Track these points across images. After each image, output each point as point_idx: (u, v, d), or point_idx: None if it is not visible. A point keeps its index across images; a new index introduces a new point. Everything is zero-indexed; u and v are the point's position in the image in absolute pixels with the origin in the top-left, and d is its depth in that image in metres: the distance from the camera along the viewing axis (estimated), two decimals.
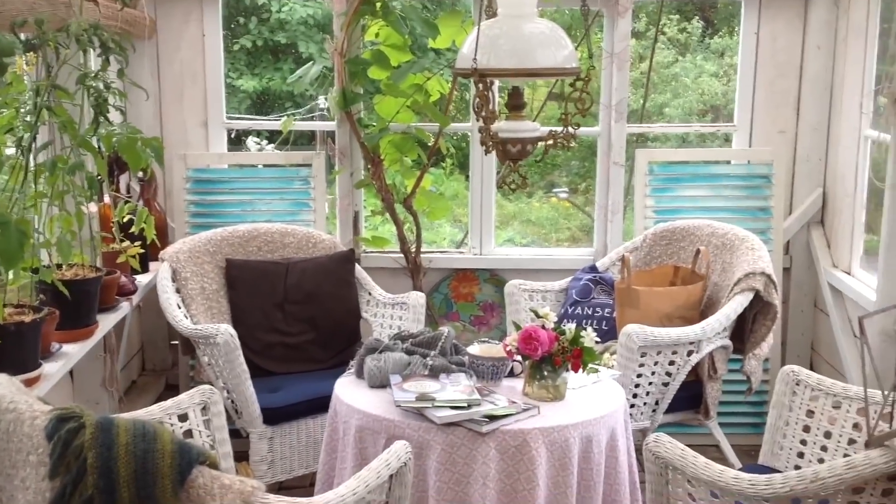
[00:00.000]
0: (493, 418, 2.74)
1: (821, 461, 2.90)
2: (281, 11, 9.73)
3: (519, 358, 3.01)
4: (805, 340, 4.50)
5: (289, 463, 3.53)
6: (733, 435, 4.15)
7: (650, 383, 3.52)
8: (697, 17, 9.66)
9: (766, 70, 4.38)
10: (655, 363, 3.50)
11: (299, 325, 3.97)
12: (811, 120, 4.36)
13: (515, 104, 2.66)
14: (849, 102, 4.12)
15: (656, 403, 3.58)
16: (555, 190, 9.68)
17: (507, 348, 2.96)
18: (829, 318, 4.23)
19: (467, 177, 4.58)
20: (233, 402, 3.49)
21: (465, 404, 2.78)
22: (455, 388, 2.89)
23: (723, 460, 4.00)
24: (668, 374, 3.54)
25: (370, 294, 4.07)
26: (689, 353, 3.55)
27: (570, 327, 2.95)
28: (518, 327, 2.97)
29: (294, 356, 3.93)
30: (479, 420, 2.73)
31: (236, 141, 7.89)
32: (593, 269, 4.14)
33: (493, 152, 2.72)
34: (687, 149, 5.28)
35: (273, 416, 3.48)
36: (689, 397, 3.67)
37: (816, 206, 4.39)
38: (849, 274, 4.11)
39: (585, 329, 2.97)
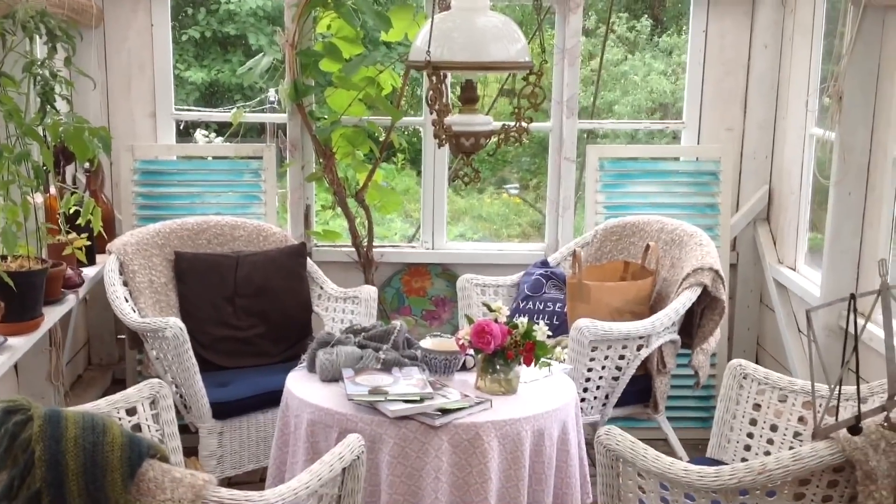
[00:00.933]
0: (445, 412, 2.74)
1: (767, 454, 2.95)
2: (230, 2, 9.63)
3: (471, 352, 3.01)
4: (751, 335, 4.57)
5: (238, 458, 3.50)
6: (681, 429, 4.21)
7: (600, 377, 3.55)
8: (646, 16, 9.77)
9: (714, 68, 4.44)
10: (606, 357, 3.53)
11: (250, 318, 3.94)
12: (758, 118, 4.43)
13: (468, 97, 2.67)
14: (795, 101, 4.20)
15: (606, 397, 3.61)
16: (506, 186, 9.72)
17: (460, 342, 2.97)
18: (774, 314, 4.31)
19: (419, 172, 4.58)
20: (181, 396, 3.46)
21: (418, 398, 2.78)
22: (408, 382, 2.89)
23: (671, 454, 4.05)
24: (618, 368, 3.58)
25: (322, 288, 4.05)
26: (639, 348, 3.58)
27: (522, 321, 2.96)
28: (471, 321, 2.98)
29: (244, 350, 3.90)
30: (431, 413, 2.73)
31: (184, 133, 7.80)
32: (545, 264, 4.16)
33: (447, 146, 2.72)
34: (637, 145, 5.32)
35: (222, 411, 3.45)
36: (639, 391, 3.71)
37: (763, 203, 4.46)
38: (794, 270, 4.19)
39: (538, 323, 2.98)
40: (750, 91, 4.44)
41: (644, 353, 3.59)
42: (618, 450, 2.43)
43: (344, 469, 2.29)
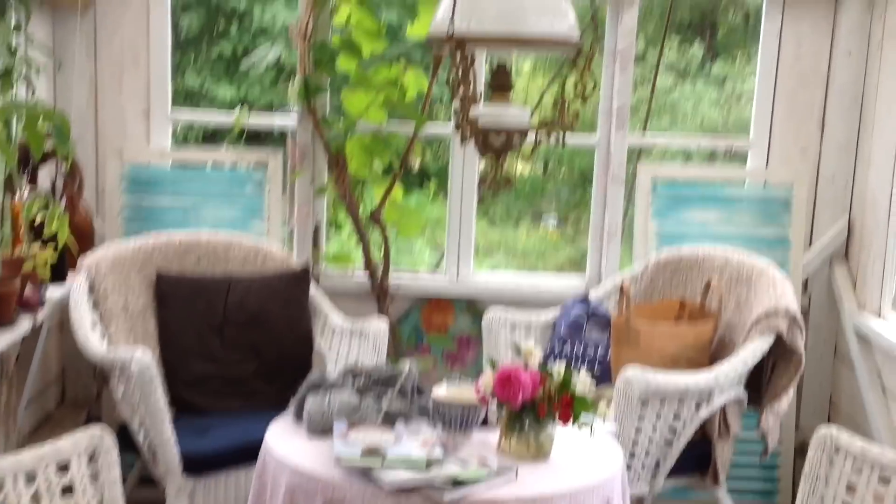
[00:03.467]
0: (458, 483, 2.16)
1: None
2: (263, 19, 9.22)
3: (494, 405, 2.43)
4: (822, 395, 3.93)
5: None
6: (739, 502, 3.59)
7: (650, 441, 2.95)
8: (698, 41, 9.20)
9: (787, 78, 3.85)
10: (658, 416, 2.93)
11: (240, 352, 3.38)
12: (838, 137, 3.83)
13: (500, 84, 2.12)
14: (883, 117, 3.59)
15: (656, 465, 3.01)
16: (544, 218, 9.14)
17: (481, 393, 2.39)
18: (852, 370, 3.67)
19: None
20: (150, 445, 2.90)
21: (424, 463, 2.20)
22: (413, 441, 2.31)
23: None
24: (672, 430, 2.97)
25: (326, 320, 3.49)
26: (698, 406, 2.98)
27: (558, 368, 2.38)
28: (494, 365, 2.40)
29: (232, 391, 3.34)
30: (439, 486, 2.14)
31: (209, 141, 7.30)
32: (585, 300, 3.57)
33: (473, 143, 2.17)
34: (697, 167, 4.72)
35: (196, 465, 2.88)
36: (695, 458, 3.10)
37: (841, 238, 3.85)
38: (879, 317, 3.56)
39: (577, 371, 2.40)
40: (829, 106, 3.83)
41: (704, 412, 2.98)
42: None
43: None
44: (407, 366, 2.62)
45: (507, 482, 2.23)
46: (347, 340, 3.38)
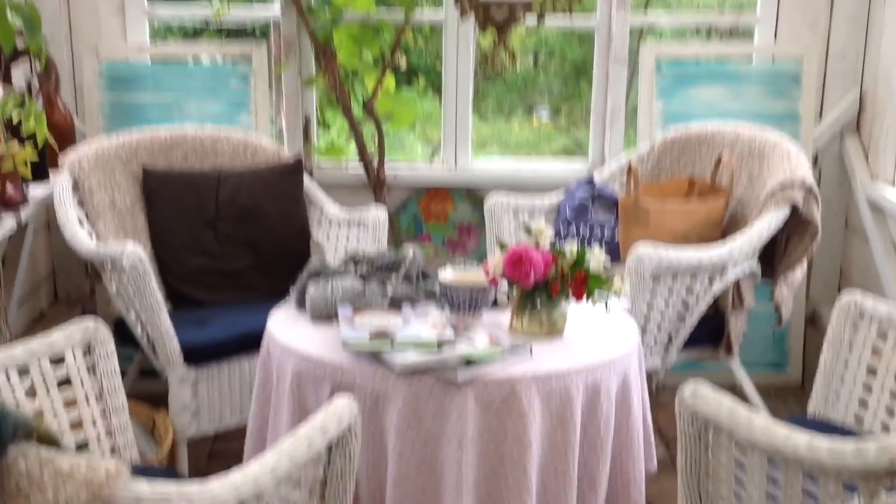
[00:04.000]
0: (471, 362, 2.07)
1: (891, 412, 2.27)
2: None
3: (505, 286, 2.33)
4: (833, 267, 3.85)
5: (218, 411, 2.85)
6: (750, 373, 3.52)
7: (662, 316, 2.86)
8: None
9: None
10: (670, 292, 2.84)
11: (235, 247, 3.27)
12: (848, 9, 3.66)
13: None
14: None
15: (669, 339, 2.93)
16: (536, 109, 8.96)
17: (490, 274, 2.28)
18: (864, 241, 3.59)
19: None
20: (148, 338, 2.81)
21: (435, 344, 2.10)
22: (422, 324, 2.21)
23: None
24: (685, 304, 2.89)
25: (322, 211, 3.37)
26: (711, 280, 2.89)
27: (570, 247, 2.27)
28: (503, 246, 2.29)
29: (228, 284, 3.24)
30: (452, 365, 2.06)
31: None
32: (590, 182, 3.45)
33: (472, 17, 2.02)
34: (701, 44, 4.53)
35: (196, 356, 2.79)
36: (708, 331, 3.03)
37: (852, 111, 3.71)
38: (893, 185, 3.45)
39: (590, 247, 2.29)
40: None
41: (717, 286, 2.89)
42: (710, 416, 1.75)
43: (330, 446, 1.63)
44: (410, 251, 2.51)
45: (522, 360, 2.14)
46: (345, 231, 3.27)
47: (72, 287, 3.80)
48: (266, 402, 2.35)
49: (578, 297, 2.22)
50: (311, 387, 2.17)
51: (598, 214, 3.33)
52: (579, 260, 2.25)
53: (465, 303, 2.39)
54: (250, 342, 2.76)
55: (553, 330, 2.28)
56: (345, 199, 3.61)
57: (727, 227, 3.16)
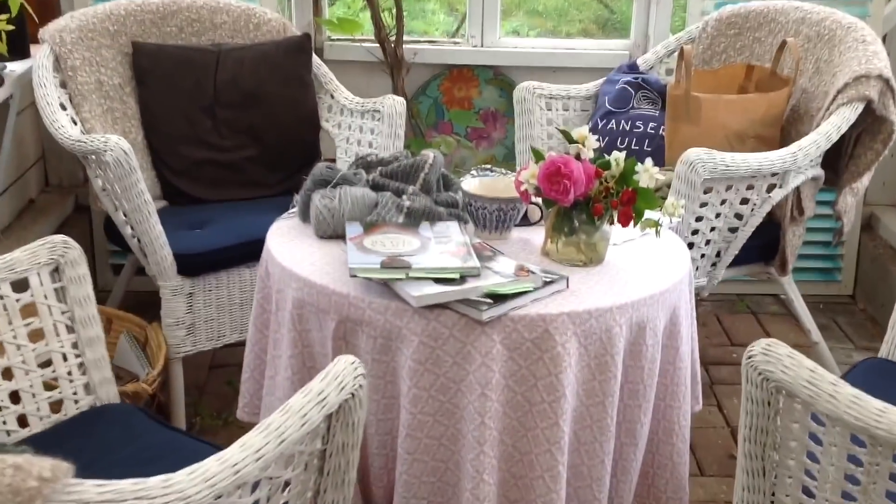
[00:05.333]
0: (497, 297, 1.77)
1: None
2: None
3: (539, 201, 2.02)
4: (893, 166, 3.49)
5: (216, 327, 2.60)
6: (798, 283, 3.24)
7: (713, 229, 2.55)
8: None
9: None
10: (723, 202, 2.52)
11: (236, 136, 2.95)
12: None
13: None
14: None
15: (717, 255, 2.63)
16: None
17: (522, 187, 1.96)
18: None
19: None
20: (138, 241, 2.53)
21: (457, 274, 1.81)
22: (442, 247, 1.91)
23: (792, 329, 3.11)
24: (739, 216, 2.57)
25: (332, 97, 3.02)
26: (770, 188, 2.56)
27: (618, 157, 1.94)
28: (539, 157, 1.96)
29: (229, 179, 2.94)
30: (476, 300, 1.77)
31: None
32: (633, 68, 3.08)
33: None
34: None
35: (192, 265, 2.52)
36: (759, 245, 2.72)
37: None
38: None
39: (641, 161, 1.96)
40: None
41: (777, 195, 2.57)
42: (785, 383, 1.47)
43: (330, 415, 1.36)
44: (431, 154, 2.18)
45: (556, 292, 1.85)
46: (358, 120, 2.93)
47: (63, 173, 3.51)
48: (265, 328, 2.08)
49: (625, 221, 1.90)
50: (313, 318, 1.89)
51: (642, 106, 2.97)
52: (627, 174, 1.92)
53: (491, 218, 2.08)
54: (253, 250, 2.39)
55: (592, 256, 1.98)
56: (358, 81, 3.27)
57: (787, 123, 2.80)
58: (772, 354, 1.49)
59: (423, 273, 1.80)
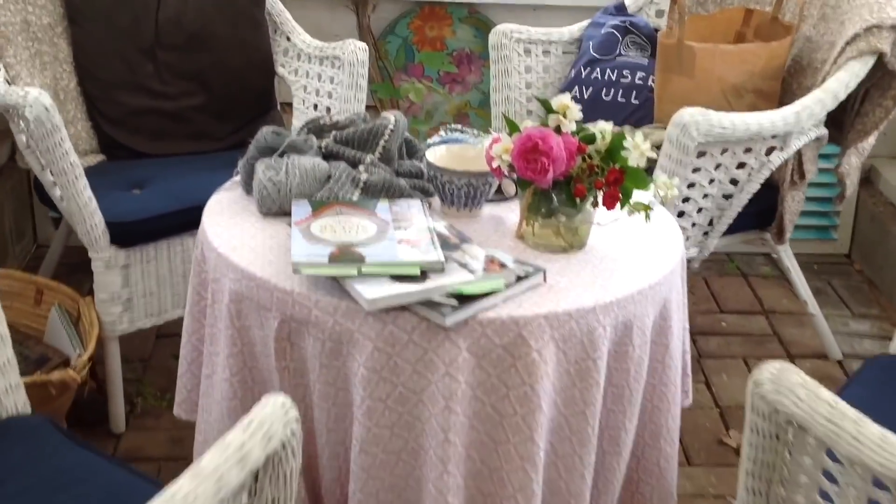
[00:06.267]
0: (463, 298, 1.54)
1: None
2: None
3: (513, 177, 1.77)
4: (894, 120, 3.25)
5: (157, 302, 2.35)
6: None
7: (705, 196, 2.32)
8: None
9: None
10: (717, 166, 2.27)
11: (180, 82, 2.67)
12: None
13: None
14: None
15: (710, 224, 2.40)
16: None
17: (495, 163, 1.71)
18: None
19: None
20: (66, 208, 2.27)
21: (417, 269, 1.56)
22: (402, 234, 1.66)
23: (786, 293, 2.91)
24: (734, 181, 2.33)
25: (289, 39, 2.73)
26: (770, 151, 2.32)
27: (604, 128, 1.68)
28: (514, 128, 1.70)
29: (173, 130, 2.66)
30: (439, 303, 1.53)
31: None
32: (620, 9, 2.80)
33: None
34: None
35: (126, 235, 2.26)
36: (755, 212, 2.48)
37: None
38: None
39: (630, 131, 1.71)
40: None
41: (777, 158, 2.33)
42: (800, 417, 1.25)
43: (257, 471, 1.13)
44: (392, 119, 1.91)
45: (532, 287, 1.61)
46: (317, 67, 2.65)
47: None
48: (202, 317, 1.83)
49: (611, 204, 1.66)
50: (254, 315, 1.65)
51: (629, 52, 2.70)
52: (614, 149, 1.67)
53: (460, 194, 1.83)
54: (196, 217, 2.06)
55: (573, 240, 1.74)
56: (319, 18, 2.98)
57: (788, 75, 2.55)
58: (783, 384, 1.26)
59: (377, 268, 1.56)
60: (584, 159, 1.67)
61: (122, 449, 2.32)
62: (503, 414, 1.58)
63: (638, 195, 1.69)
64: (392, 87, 3.10)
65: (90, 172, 2.38)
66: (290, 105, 2.74)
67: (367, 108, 2.62)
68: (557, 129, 1.66)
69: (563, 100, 1.66)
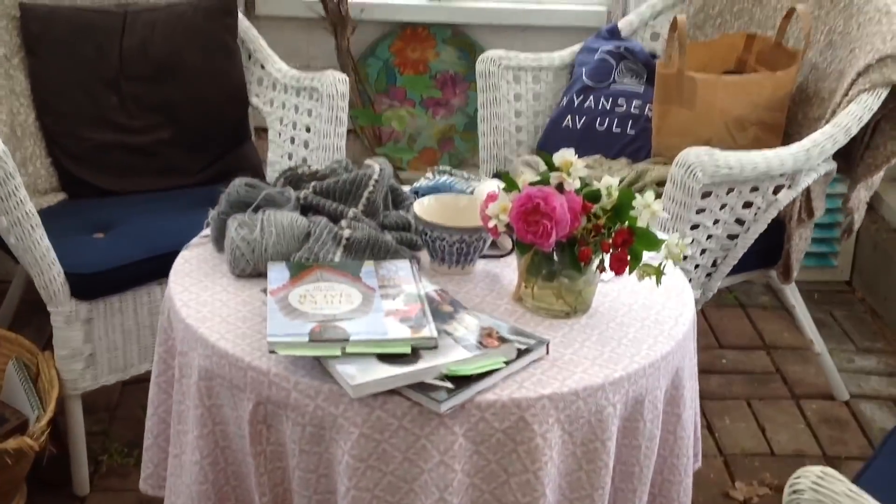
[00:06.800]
0: (458, 380, 1.39)
1: None
2: None
3: (511, 236, 1.61)
4: None
5: (122, 357, 2.18)
6: None
7: (709, 237, 2.18)
8: None
9: None
10: (722, 206, 2.13)
11: (147, 115, 2.50)
12: None
13: None
14: None
15: (714, 265, 2.26)
16: None
17: (491, 223, 1.56)
18: None
19: None
20: (23, 258, 2.10)
21: (408, 347, 1.41)
22: (390, 304, 1.51)
23: (787, 326, 2.78)
24: (740, 221, 2.19)
25: (263, 68, 2.57)
26: (778, 190, 2.18)
27: (610, 186, 1.53)
28: (511, 185, 1.55)
29: (140, 166, 2.50)
30: (432, 385, 1.38)
31: None
32: (614, 33, 2.65)
33: None
34: None
35: (88, 287, 2.09)
36: (760, 250, 2.34)
37: None
38: None
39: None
40: None
41: (785, 197, 2.19)
42: None
43: None
44: (376, 168, 1.76)
45: (534, 360, 1.46)
46: (294, 99, 2.48)
47: None
48: (170, 388, 1.67)
49: (619, 268, 1.51)
50: (226, 394, 1.49)
51: (624, 80, 2.55)
52: (622, 207, 1.52)
53: (451, 251, 1.68)
54: (165, 265, 1.88)
55: (577, 305, 1.59)
56: (296, 41, 2.83)
57: (793, 104, 2.41)
58: (826, 492, 1.12)
59: (364, 348, 1.40)
60: (588, 219, 1.52)
61: None
62: (503, 502, 1.43)
63: (647, 257, 1.55)
64: (373, 113, 2.94)
65: (50, 214, 2.24)
66: (265, 130, 2.59)
67: (348, 131, 2.47)
68: (560, 188, 1.51)
69: (567, 156, 1.51)
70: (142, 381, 2.50)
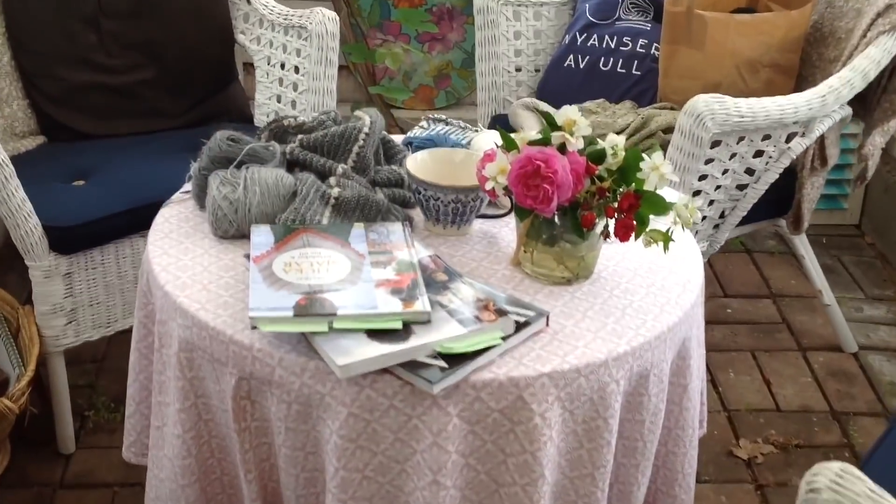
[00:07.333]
0: (452, 357, 1.30)
1: None
2: None
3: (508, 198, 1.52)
4: None
5: (105, 311, 2.10)
6: None
7: (718, 188, 2.08)
8: None
9: None
10: (732, 156, 2.03)
11: (127, 54, 2.38)
12: None
13: None
14: None
15: (722, 216, 2.16)
16: None
17: (488, 184, 1.45)
18: None
19: None
20: None
21: (399, 322, 1.32)
22: (380, 272, 1.41)
23: (795, 273, 2.70)
24: (750, 171, 2.09)
25: (249, 3, 2.43)
26: (790, 138, 2.07)
27: (615, 144, 1.43)
28: (511, 145, 1.44)
29: (121, 108, 2.38)
30: (425, 364, 1.29)
31: None
32: None
33: None
34: None
35: (67, 240, 2.00)
36: (770, 199, 2.24)
37: None
38: None
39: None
40: None
41: (798, 145, 2.09)
42: None
43: None
44: (366, 120, 1.65)
45: (533, 333, 1.38)
46: (282, 37, 2.35)
47: None
48: (149, 354, 1.59)
49: (625, 235, 1.41)
50: (207, 367, 1.41)
51: (630, 16, 2.42)
52: (628, 168, 1.42)
53: (446, 210, 1.58)
54: (146, 217, 1.77)
55: (579, 271, 1.50)
56: None
57: (807, 44, 2.29)
58: (846, 493, 1.05)
59: (351, 323, 1.31)
60: (592, 181, 1.42)
61: (71, 472, 2.09)
62: (500, 483, 1.37)
63: (655, 222, 1.45)
64: (366, 48, 2.81)
65: (27, 159, 2.14)
66: (252, 66, 2.46)
67: (341, 67, 2.35)
68: (562, 149, 1.40)
69: (570, 114, 1.40)
70: (130, 332, 2.43)
